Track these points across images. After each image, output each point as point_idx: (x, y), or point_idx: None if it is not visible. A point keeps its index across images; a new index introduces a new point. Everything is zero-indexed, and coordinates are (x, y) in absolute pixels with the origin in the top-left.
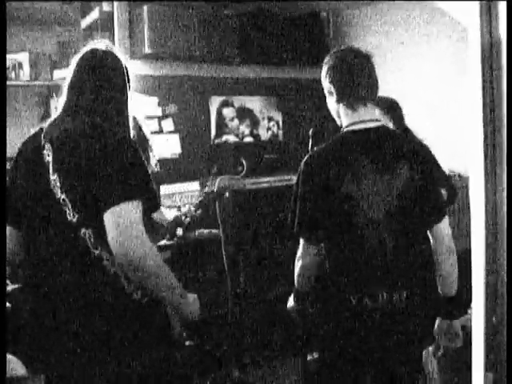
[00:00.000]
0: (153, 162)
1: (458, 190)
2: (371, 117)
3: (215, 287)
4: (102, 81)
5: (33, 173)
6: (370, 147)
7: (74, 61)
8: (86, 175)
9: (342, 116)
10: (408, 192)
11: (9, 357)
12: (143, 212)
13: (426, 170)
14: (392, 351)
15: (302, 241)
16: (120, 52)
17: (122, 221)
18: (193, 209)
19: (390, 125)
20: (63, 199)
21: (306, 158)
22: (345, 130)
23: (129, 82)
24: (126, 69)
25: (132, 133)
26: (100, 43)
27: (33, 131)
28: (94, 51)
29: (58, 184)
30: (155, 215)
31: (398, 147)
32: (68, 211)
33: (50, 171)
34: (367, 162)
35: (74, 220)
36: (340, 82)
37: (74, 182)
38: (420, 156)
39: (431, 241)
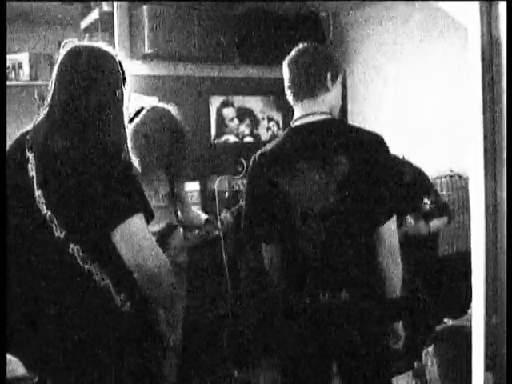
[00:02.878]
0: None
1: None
2: (317, 110)
3: (215, 287)
4: (87, 82)
5: (19, 186)
6: (311, 142)
7: (57, 61)
8: (75, 194)
9: (294, 112)
10: (347, 188)
11: (9, 357)
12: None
13: (375, 165)
14: (342, 352)
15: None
16: (110, 47)
17: (132, 236)
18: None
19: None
20: (49, 215)
21: (252, 157)
22: (292, 125)
23: (124, 80)
24: (121, 66)
25: (165, 127)
26: (81, 42)
27: (18, 134)
28: (76, 49)
29: (43, 200)
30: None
31: (341, 140)
32: (54, 227)
33: (35, 186)
34: (304, 158)
35: (62, 236)
36: (285, 79)
37: (59, 200)
38: (369, 149)
39: (375, 241)
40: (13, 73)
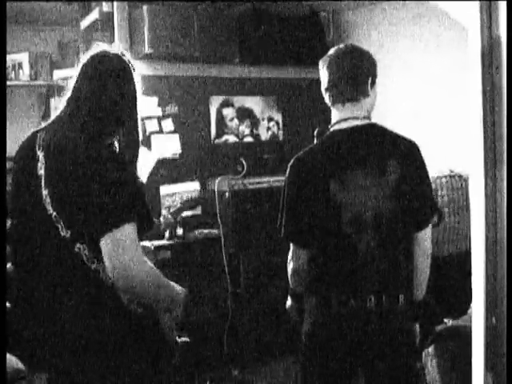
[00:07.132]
0: None
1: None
2: (359, 114)
3: (215, 287)
4: (108, 90)
5: (28, 184)
6: (356, 147)
7: (81, 62)
8: (76, 196)
9: (332, 115)
10: (398, 194)
11: (9, 357)
12: (138, 232)
13: (417, 171)
14: (381, 354)
15: (291, 244)
16: (130, 57)
17: (119, 246)
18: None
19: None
20: (55, 216)
21: (292, 160)
22: (331, 129)
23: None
24: (135, 76)
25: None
26: (110, 47)
27: (29, 132)
28: (103, 55)
29: (49, 200)
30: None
31: (387, 146)
32: (60, 227)
33: (42, 185)
34: (354, 163)
35: (68, 236)
36: (324, 80)
37: (65, 201)
38: (412, 156)
39: (413, 244)
40: (13, 73)
